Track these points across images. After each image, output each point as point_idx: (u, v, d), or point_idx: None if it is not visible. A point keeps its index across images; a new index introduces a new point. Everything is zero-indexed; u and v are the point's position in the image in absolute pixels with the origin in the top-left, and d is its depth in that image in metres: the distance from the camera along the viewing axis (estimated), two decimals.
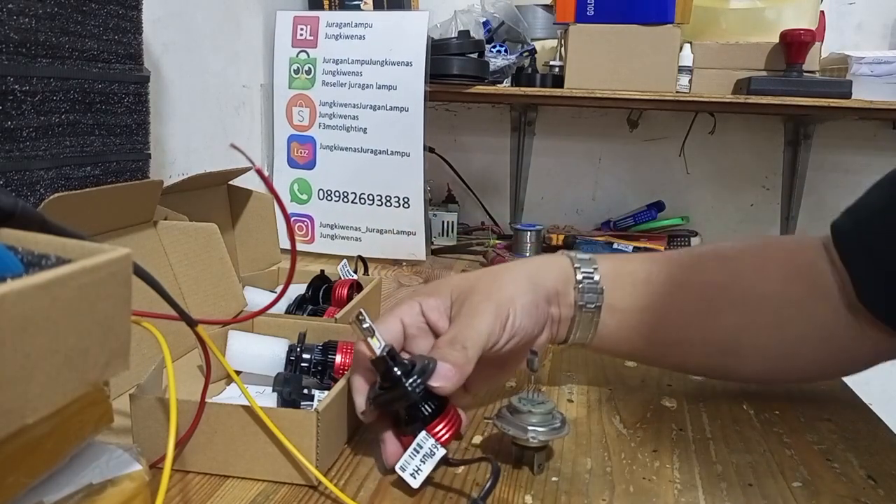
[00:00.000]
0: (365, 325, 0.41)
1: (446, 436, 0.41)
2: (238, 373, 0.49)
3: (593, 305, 0.51)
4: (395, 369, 0.41)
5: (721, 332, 0.52)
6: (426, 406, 0.41)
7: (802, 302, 0.52)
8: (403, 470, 0.39)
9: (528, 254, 1.20)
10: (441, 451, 0.39)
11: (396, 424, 0.42)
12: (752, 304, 0.52)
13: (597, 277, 0.51)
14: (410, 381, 0.40)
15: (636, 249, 1.13)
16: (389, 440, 0.42)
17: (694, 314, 0.53)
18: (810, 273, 0.52)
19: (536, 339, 0.50)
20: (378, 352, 0.41)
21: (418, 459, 0.39)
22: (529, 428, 0.41)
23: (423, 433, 0.40)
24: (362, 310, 0.41)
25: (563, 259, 0.53)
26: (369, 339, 0.41)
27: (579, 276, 0.51)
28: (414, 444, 0.40)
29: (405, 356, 0.44)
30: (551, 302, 0.51)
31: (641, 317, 0.52)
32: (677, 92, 1.16)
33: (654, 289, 0.53)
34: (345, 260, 0.81)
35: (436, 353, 0.43)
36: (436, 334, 0.47)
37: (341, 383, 0.45)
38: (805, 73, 1.12)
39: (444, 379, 0.41)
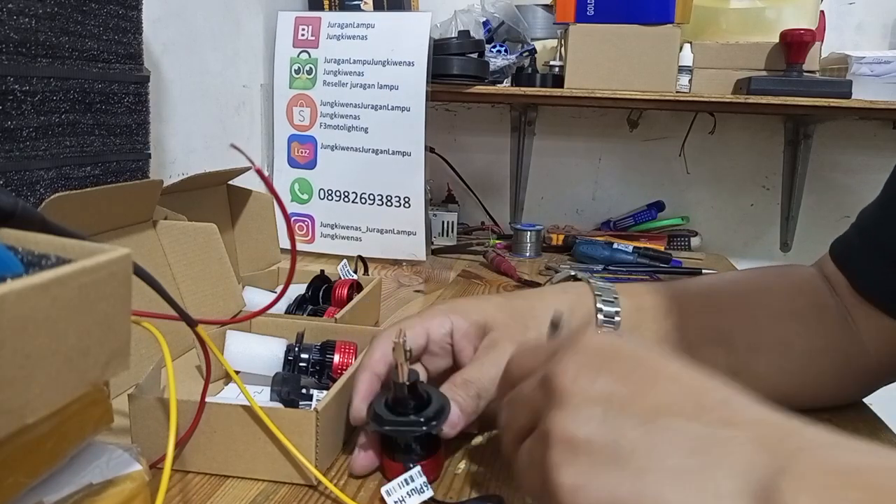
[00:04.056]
0: (407, 349, 0.40)
1: (429, 477, 0.41)
2: (236, 373, 0.49)
3: None
4: (411, 402, 0.40)
5: (734, 355, 0.52)
6: (425, 443, 0.41)
7: (806, 316, 0.52)
8: (389, 495, 0.39)
9: (528, 254, 1.20)
10: (429, 493, 0.39)
11: (387, 444, 0.42)
12: (762, 323, 0.52)
13: (617, 319, 0.51)
14: (428, 421, 0.40)
15: (636, 249, 1.13)
16: (364, 451, 0.42)
17: (708, 342, 0.52)
18: (808, 287, 0.54)
19: None
20: (405, 379, 0.40)
21: (405, 491, 0.39)
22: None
23: (418, 469, 0.40)
24: (404, 332, 0.41)
25: (588, 299, 0.51)
26: (403, 364, 0.40)
27: (600, 317, 0.50)
28: (405, 476, 0.40)
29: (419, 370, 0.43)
30: None
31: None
32: (677, 92, 1.16)
33: (673, 321, 0.52)
34: (345, 260, 0.81)
35: (448, 390, 0.42)
36: (456, 359, 0.46)
37: (340, 383, 0.44)
38: (805, 73, 1.12)
39: (452, 426, 0.41)
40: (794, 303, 0.53)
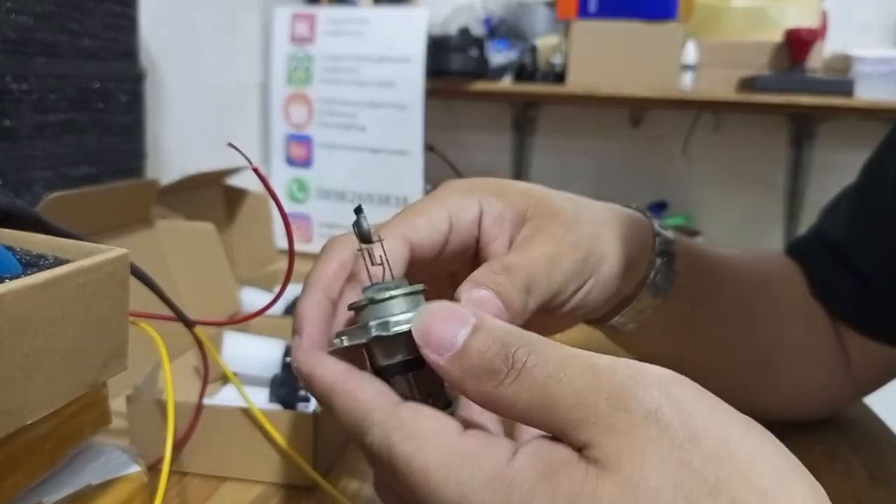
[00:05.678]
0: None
1: None
2: (234, 374, 0.49)
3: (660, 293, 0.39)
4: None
5: (755, 347, 0.47)
6: None
7: (826, 318, 0.48)
8: None
9: None
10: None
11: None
12: (783, 309, 0.48)
13: (673, 248, 0.39)
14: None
15: None
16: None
17: (733, 326, 0.46)
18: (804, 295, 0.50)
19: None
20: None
21: None
22: (373, 322, 0.24)
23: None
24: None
25: (649, 235, 0.38)
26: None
27: (657, 262, 0.39)
28: None
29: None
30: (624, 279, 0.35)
31: (686, 329, 0.44)
32: (680, 90, 1.16)
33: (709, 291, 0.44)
34: None
35: (485, 277, 0.27)
36: (480, 254, 0.31)
37: None
38: (808, 72, 1.12)
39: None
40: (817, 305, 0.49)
